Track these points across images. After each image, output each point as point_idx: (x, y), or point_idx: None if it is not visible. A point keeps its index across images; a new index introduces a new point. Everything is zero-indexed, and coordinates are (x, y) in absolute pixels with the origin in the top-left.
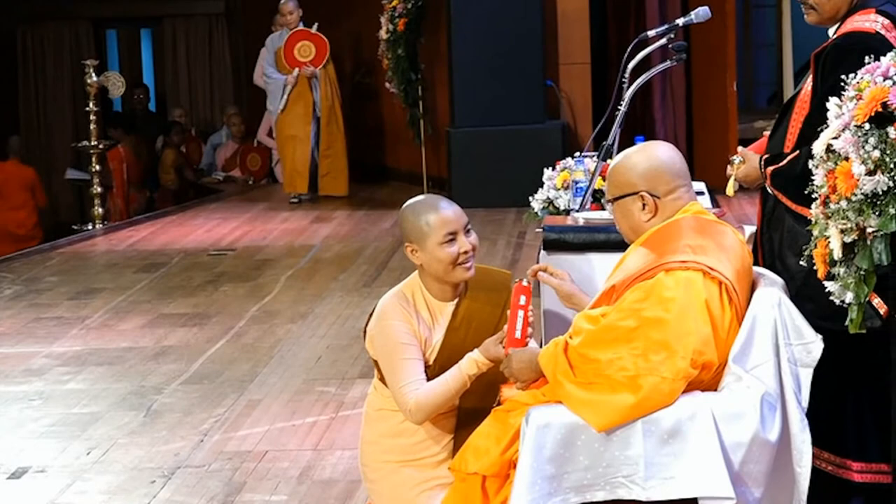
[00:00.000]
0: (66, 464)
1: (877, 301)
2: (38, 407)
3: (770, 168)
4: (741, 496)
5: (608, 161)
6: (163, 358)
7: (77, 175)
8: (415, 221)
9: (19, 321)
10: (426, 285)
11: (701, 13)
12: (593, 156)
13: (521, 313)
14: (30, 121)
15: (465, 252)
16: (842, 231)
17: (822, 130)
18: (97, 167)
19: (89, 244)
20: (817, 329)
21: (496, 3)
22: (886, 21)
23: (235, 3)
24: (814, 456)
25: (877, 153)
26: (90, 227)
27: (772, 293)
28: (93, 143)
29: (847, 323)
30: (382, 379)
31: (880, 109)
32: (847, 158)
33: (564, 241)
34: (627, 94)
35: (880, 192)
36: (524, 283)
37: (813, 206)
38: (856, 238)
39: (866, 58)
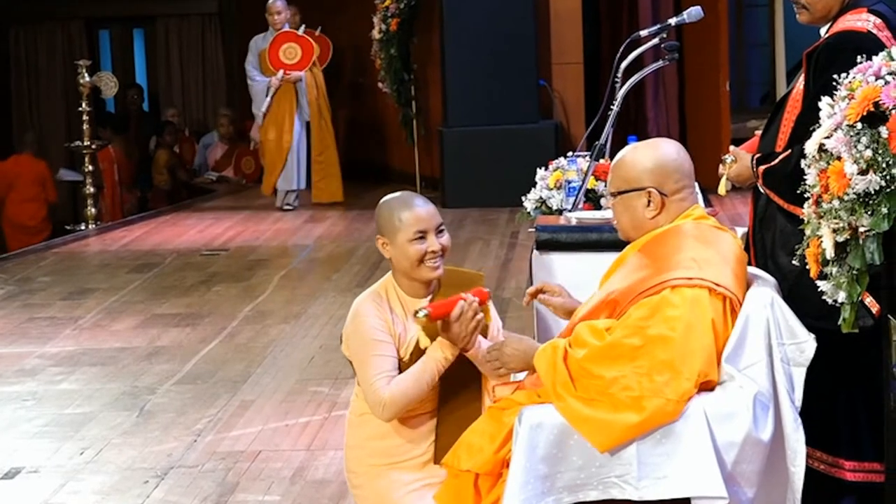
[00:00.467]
0: (60, 464)
1: (869, 300)
2: (31, 407)
3: (762, 167)
4: (734, 496)
5: (601, 161)
6: (156, 358)
7: (70, 176)
8: (388, 216)
9: (12, 321)
10: (398, 283)
11: (693, 13)
12: (586, 155)
13: (460, 304)
14: (22, 121)
15: (433, 252)
16: (834, 230)
17: (814, 130)
18: (90, 167)
19: (82, 244)
20: (810, 328)
21: (489, 3)
22: (878, 20)
23: (228, 2)
24: (806, 455)
25: (869, 153)
26: (83, 228)
27: (764, 293)
28: (86, 144)
29: (840, 322)
30: None
31: (872, 109)
32: (839, 158)
33: (557, 241)
34: (620, 94)
35: (872, 192)
36: (486, 289)
37: (805, 205)
38: (848, 237)
39: (858, 57)
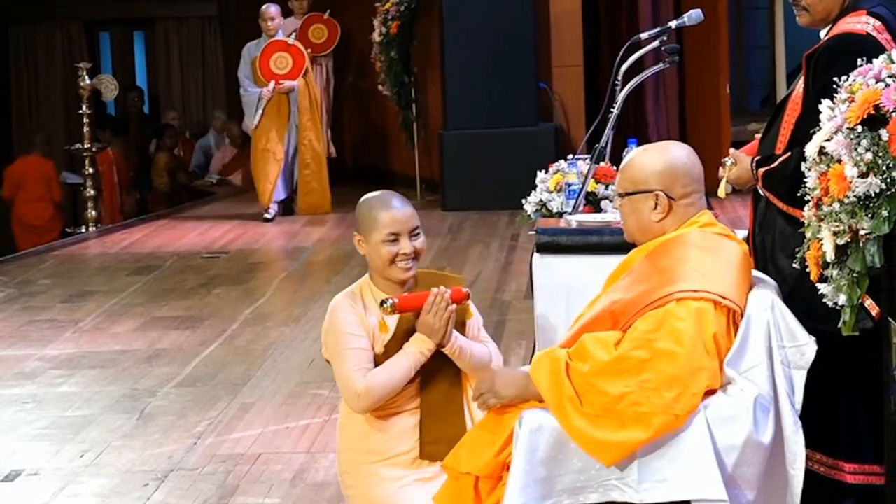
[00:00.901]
0: (60, 467)
1: (869, 302)
2: (31, 410)
3: (762, 169)
4: (734, 498)
5: (601, 163)
6: (156, 361)
7: (73, 179)
8: (366, 214)
9: (12, 324)
10: (374, 281)
11: (693, 15)
12: (586, 158)
13: (433, 293)
14: (22, 123)
15: (405, 254)
16: (834, 233)
17: (814, 132)
18: (90, 170)
19: (82, 247)
20: (810, 331)
21: (489, 5)
22: (878, 23)
23: (228, 5)
24: (806, 457)
25: (869, 155)
26: (83, 230)
27: (765, 296)
28: (86, 146)
29: (840, 325)
30: None
31: (872, 112)
32: (839, 161)
33: (557, 244)
34: (620, 97)
35: (873, 195)
36: (465, 289)
37: (805, 208)
38: (848, 240)
39: (858, 60)
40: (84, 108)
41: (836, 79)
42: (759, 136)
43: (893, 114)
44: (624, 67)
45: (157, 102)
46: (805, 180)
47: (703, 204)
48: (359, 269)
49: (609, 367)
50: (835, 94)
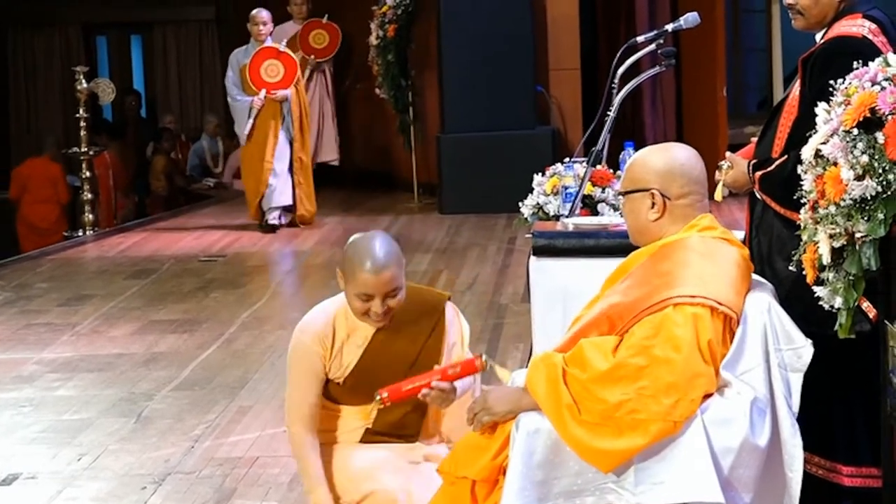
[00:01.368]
0: (57, 470)
1: (865, 305)
2: (28, 413)
3: (758, 173)
4: (731, 501)
5: (597, 167)
6: (153, 364)
7: (76, 182)
8: (350, 261)
9: (10, 328)
10: (350, 305)
11: (690, 19)
12: (583, 161)
13: (435, 377)
14: (20, 127)
15: (375, 313)
16: (831, 236)
17: (810, 135)
18: (87, 173)
19: (80, 250)
20: (807, 334)
21: (486, 8)
22: (873, 25)
23: (225, 9)
24: (804, 460)
25: (865, 158)
26: (81, 234)
27: (761, 298)
28: (83, 150)
29: (836, 328)
30: None
31: (868, 115)
32: (836, 163)
33: (554, 247)
34: (617, 100)
35: (869, 197)
36: (479, 361)
37: (802, 211)
38: (845, 243)
39: (854, 63)
40: (81, 111)
41: (832, 82)
42: (755, 139)
43: (889, 117)
44: (621, 71)
45: (154, 106)
46: (801, 183)
47: (703, 206)
48: None
49: (607, 374)
50: (831, 97)
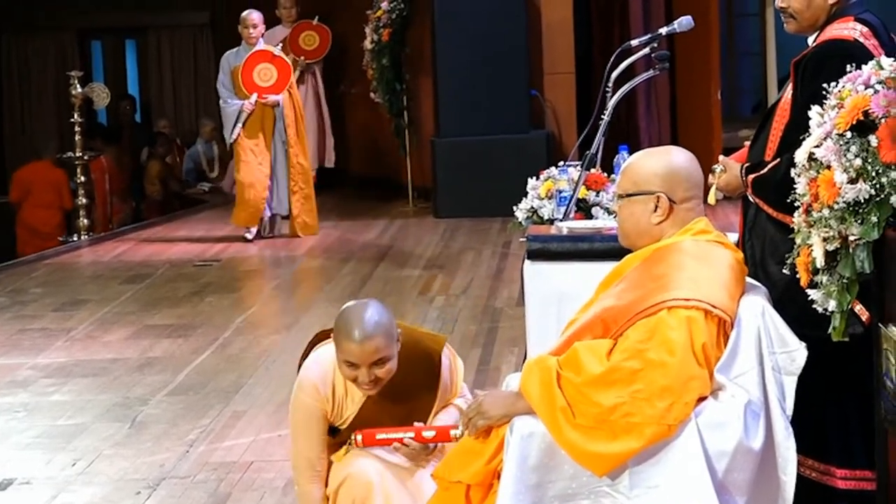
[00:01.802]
0: (52, 475)
1: (858, 308)
2: (22, 418)
3: (751, 176)
4: None
5: (592, 170)
6: (148, 369)
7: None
8: (338, 328)
9: (4, 333)
10: (340, 370)
11: (684, 22)
12: (577, 165)
13: (409, 435)
14: (14, 132)
15: (362, 382)
16: (824, 239)
17: (803, 138)
18: (82, 178)
19: (74, 255)
20: (800, 337)
21: (481, 13)
22: (865, 29)
23: (220, 13)
24: (798, 463)
25: (858, 161)
26: (75, 239)
27: (755, 302)
28: (78, 155)
29: (830, 331)
30: None
31: (862, 118)
32: (829, 167)
33: (548, 251)
34: (611, 104)
35: (862, 201)
36: (455, 432)
37: (795, 214)
38: (838, 246)
39: (847, 66)
40: (76, 116)
41: (825, 85)
42: (748, 143)
43: (882, 120)
44: (615, 74)
45: (148, 111)
46: (794, 186)
47: (701, 210)
48: (350, 276)
49: (601, 377)
50: (824, 101)
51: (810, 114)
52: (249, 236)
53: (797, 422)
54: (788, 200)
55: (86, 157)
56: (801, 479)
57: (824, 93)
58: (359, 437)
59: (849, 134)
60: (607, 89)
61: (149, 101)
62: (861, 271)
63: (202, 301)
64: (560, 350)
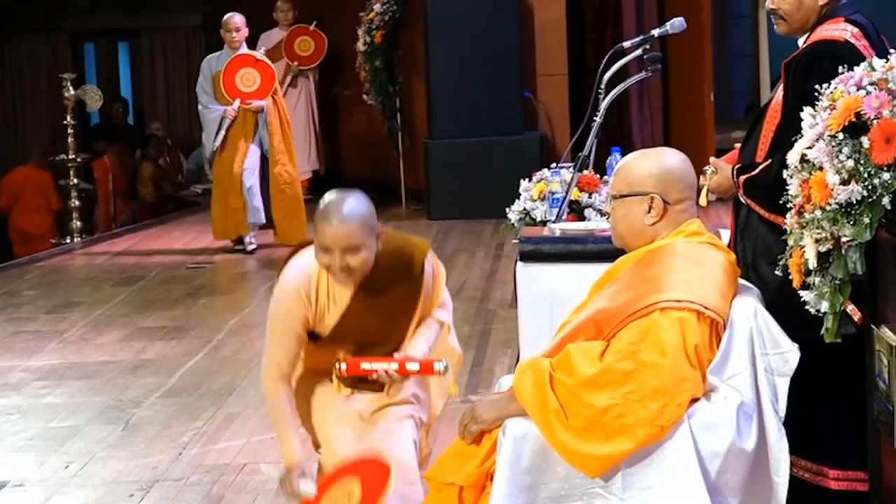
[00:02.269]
0: (45, 478)
1: (851, 308)
2: (15, 421)
3: (742, 177)
4: None
5: (584, 172)
6: (141, 371)
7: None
8: (318, 212)
9: None
10: (316, 258)
11: (676, 24)
12: (570, 167)
13: (393, 366)
14: (7, 134)
15: (334, 268)
16: (816, 240)
17: (794, 139)
18: (75, 180)
19: (67, 257)
20: (793, 338)
21: (474, 14)
22: (855, 30)
23: (213, 16)
24: (790, 463)
25: (851, 163)
26: (68, 241)
27: (748, 303)
28: (70, 157)
29: (822, 332)
30: None
31: (854, 119)
32: (821, 168)
33: (541, 252)
34: (603, 105)
35: (854, 202)
36: (438, 365)
37: (787, 215)
38: (830, 247)
39: (839, 67)
40: (69, 118)
41: (816, 86)
42: (738, 145)
43: (874, 121)
44: (607, 76)
45: (141, 113)
46: (786, 188)
47: (694, 211)
48: None
49: (594, 379)
50: (816, 102)
51: (802, 115)
52: (241, 248)
53: (790, 423)
54: (780, 202)
55: (79, 160)
56: (793, 479)
57: (815, 94)
58: (343, 366)
59: (841, 135)
60: (600, 91)
61: (142, 103)
62: (853, 272)
63: (195, 303)
64: (553, 352)
